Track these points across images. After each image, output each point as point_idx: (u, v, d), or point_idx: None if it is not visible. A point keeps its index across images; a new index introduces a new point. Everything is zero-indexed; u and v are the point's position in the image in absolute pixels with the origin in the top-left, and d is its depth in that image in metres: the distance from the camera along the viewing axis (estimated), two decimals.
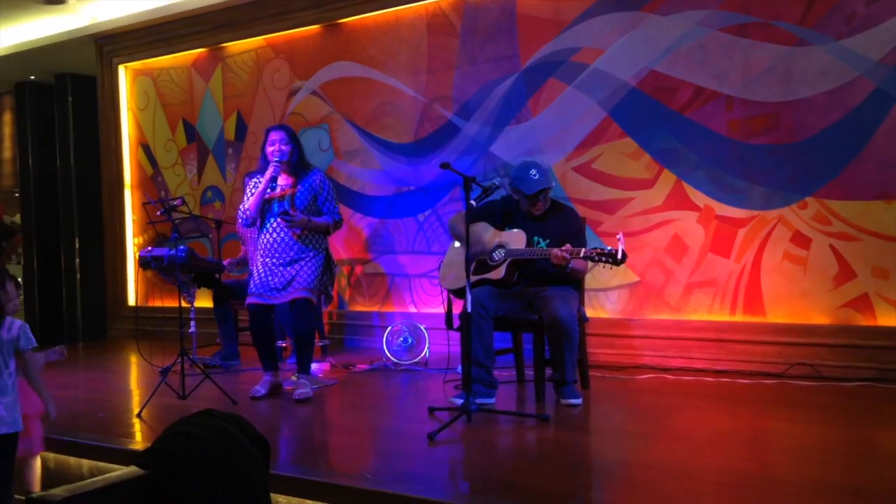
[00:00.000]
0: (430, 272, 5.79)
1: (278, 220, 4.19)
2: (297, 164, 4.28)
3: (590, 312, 4.60)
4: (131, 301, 7.50)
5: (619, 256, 3.53)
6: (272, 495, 1.62)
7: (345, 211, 6.02)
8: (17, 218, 8.92)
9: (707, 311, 4.77)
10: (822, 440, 3.18)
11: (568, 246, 3.67)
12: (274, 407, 4.08)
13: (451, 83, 5.69)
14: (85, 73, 8.02)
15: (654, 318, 4.93)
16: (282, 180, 4.29)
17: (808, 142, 4.46)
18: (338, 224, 4.34)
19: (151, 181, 7.47)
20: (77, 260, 8.16)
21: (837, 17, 4.37)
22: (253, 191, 4.28)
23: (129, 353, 6.23)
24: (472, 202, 3.58)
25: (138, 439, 3.53)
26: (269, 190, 4.27)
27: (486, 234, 4.07)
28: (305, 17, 6.31)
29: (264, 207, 4.28)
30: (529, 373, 4.19)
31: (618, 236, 3.58)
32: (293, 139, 4.29)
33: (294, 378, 4.28)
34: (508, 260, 3.91)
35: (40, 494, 1.21)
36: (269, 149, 4.25)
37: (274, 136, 4.27)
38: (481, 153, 5.55)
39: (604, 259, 3.57)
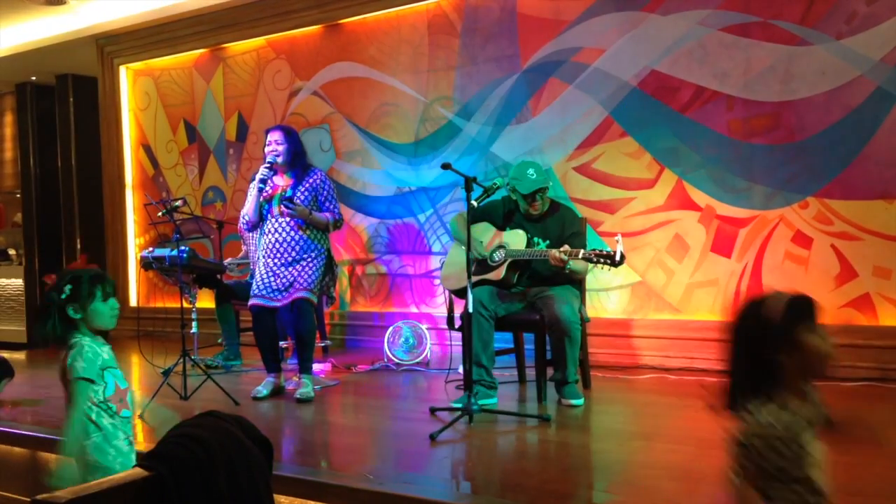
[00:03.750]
0: (431, 272, 5.79)
1: (280, 214, 4.19)
2: (294, 164, 4.26)
3: (591, 312, 4.60)
4: (133, 302, 7.50)
5: (618, 258, 3.52)
6: (275, 496, 1.62)
7: (346, 211, 6.03)
8: (19, 218, 8.94)
9: (708, 311, 4.77)
10: (823, 440, 3.18)
11: (566, 247, 3.67)
12: (276, 408, 4.08)
13: (451, 83, 5.69)
14: (86, 73, 8.03)
15: (656, 318, 4.93)
16: (281, 180, 4.29)
17: (809, 141, 4.46)
18: (338, 223, 4.32)
19: (153, 182, 7.47)
20: (78, 260, 8.17)
21: (838, 17, 4.37)
22: (251, 193, 4.29)
23: (131, 353, 6.22)
24: (473, 202, 3.59)
25: (140, 440, 3.53)
26: (267, 190, 4.27)
27: (487, 234, 4.07)
28: (306, 18, 6.31)
29: (263, 208, 4.28)
30: (531, 372, 4.19)
31: (616, 238, 3.58)
32: (289, 139, 4.27)
33: (296, 379, 4.29)
34: (508, 260, 3.92)
35: (45, 496, 1.21)
36: (266, 149, 4.26)
37: (270, 136, 4.28)
38: (482, 153, 5.55)
39: (602, 260, 3.57)
